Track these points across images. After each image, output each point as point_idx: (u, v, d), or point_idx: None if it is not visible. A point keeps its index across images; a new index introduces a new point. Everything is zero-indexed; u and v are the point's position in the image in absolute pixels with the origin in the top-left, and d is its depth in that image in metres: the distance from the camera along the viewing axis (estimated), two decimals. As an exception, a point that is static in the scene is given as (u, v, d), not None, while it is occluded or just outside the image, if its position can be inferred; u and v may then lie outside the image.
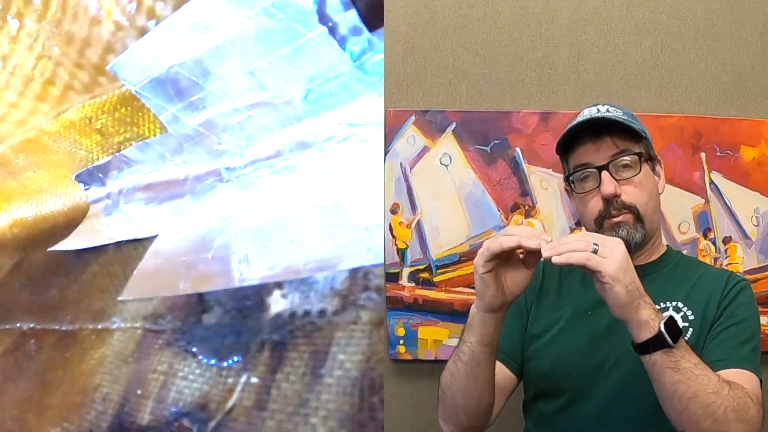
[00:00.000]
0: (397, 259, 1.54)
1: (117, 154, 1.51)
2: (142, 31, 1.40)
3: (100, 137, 1.56)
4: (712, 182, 1.54)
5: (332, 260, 1.38)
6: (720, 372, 1.01)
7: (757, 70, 1.59)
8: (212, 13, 1.37)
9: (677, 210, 1.53)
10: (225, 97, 1.43)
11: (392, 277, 1.54)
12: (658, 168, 1.22)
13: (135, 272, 1.48)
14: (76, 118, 1.54)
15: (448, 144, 1.55)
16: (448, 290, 1.54)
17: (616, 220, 1.14)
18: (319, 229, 1.40)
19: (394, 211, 1.54)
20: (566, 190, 1.28)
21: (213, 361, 1.33)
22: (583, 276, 1.21)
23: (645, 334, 0.97)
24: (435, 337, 1.53)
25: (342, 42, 1.35)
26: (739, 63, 1.59)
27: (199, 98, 1.44)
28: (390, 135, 1.54)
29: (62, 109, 1.51)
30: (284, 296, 1.38)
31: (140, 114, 1.49)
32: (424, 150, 1.55)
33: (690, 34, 1.59)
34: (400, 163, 1.55)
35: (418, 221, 1.54)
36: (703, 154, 1.54)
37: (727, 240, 1.54)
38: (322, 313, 1.34)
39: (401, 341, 1.53)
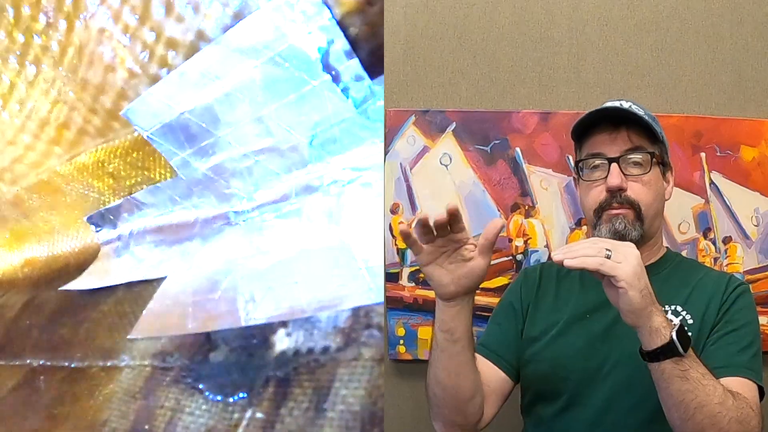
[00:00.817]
0: (397, 259, 1.54)
1: (128, 197, 1.55)
2: (155, 79, 1.46)
3: (112, 180, 1.59)
4: (712, 182, 1.54)
5: (335, 300, 1.43)
6: (721, 380, 1.01)
7: (757, 70, 1.59)
8: (221, 63, 1.43)
9: (677, 210, 1.53)
10: (233, 142, 1.48)
11: (392, 277, 1.54)
12: (668, 174, 1.22)
13: (144, 312, 1.52)
14: (89, 161, 1.58)
15: (448, 144, 1.55)
16: (448, 290, 1.53)
17: (615, 212, 1.14)
18: (323, 270, 1.45)
19: (394, 211, 1.54)
20: (573, 177, 1.28)
21: (219, 397, 1.37)
22: (582, 279, 1.21)
23: (656, 342, 0.97)
24: (435, 337, 1.53)
25: (345, 90, 1.40)
26: (739, 63, 1.58)
27: (209, 144, 1.48)
28: (390, 135, 1.54)
29: (76, 152, 1.56)
30: (288, 335, 1.43)
31: (151, 159, 1.53)
32: (424, 150, 1.55)
33: (690, 34, 1.58)
34: (400, 163, 1.55)
35: (418, 221, 1.54)
36: (703, 154, 1.54)
37: (727, 240, 1.54)
38: (325, 350, 1.39)
39: (401, 341, 1.53)
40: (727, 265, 1.53)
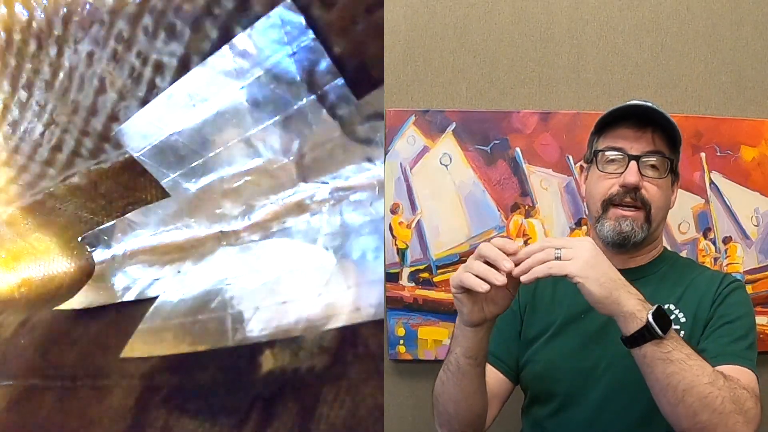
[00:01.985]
0: (397, 259, 1.54)
1: (121, 217, 1.56)
2: (143, 102, 1.48)
3: (104, 201, 1.61)
4: (712, 182, 1.54)
5: (322, 320, 1.45)
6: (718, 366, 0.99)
7: (757, 70, 1.59)
8: (208, 85, 1.44)
9: (677, 210, 1.53)
10: (222, 163, 1.50)
11: (392, 277, 1.54)
12: (675, 185, 1.22)
13: (136, 332, 1.53)
14: (81, 182, 1.59)
15: (448, 144, 1.55)
16: (448, 290, 1.53)
17: (625, 213, 1.13)
18: (311, 290, 1.47)
19: (394, 211, 1.54)
20: (580, 165, 1.27)
21: (207, 417, 1.37)
22: None
23: (632, 326, 0.95)
24: (435, 337, 1.53)
25: (331, 109, 1.42)
26: (739, 63, 1.58)
27: (198, 165, 1.51)
28: (390, 135, 1.54)
29: (69, 173, 1.57)
30: (275, 355, 1.44)
31: (143, 180, 1.55)
32: (424, 150, 1.55)
33: (690, 34, 1.58)
34: (400, 163, 1.55)
35: (418, 221, 1.54)
36: (703, 154, 1.54)
37: (727, 240, 1.54)
38: (310, 369, 1.39)
39: (401, 341, 1.54)
40: (727, 265, 1.53)
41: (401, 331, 1.53)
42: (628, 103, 1.19)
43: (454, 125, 1.55)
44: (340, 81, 1.38)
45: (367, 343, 1.36)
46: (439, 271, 1.54)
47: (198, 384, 1.43)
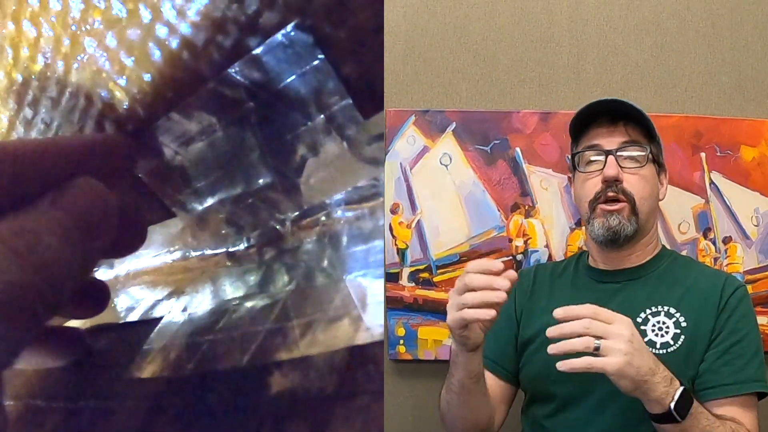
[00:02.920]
0: (397, 259, 1.54)
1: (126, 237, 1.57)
2: (151, 120, 1.50)
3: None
4: (712, 182, 1.54)
5: (331, 340, 1.46)
6: (726, 401, 1.05)
7: (757, 70, 1.59)
8: (216, 104, 1.46)
9: (677, 210, 1.53)
10: (228, 183, 1.51)
11: (392, 277, 1.54)
12: (663, 176, 1.23)
13: (141, 352, 1.55)
14: None
15: (448, 144, 1.55)
16: (448, 290, 1.53)
17: (610, 207, 1.14)
18: (319, 310, 1.48)
19: (394, 211, 1.54)
20: (569, 176, 1.29)
21: None
22: (574, 280, 1.21)
23: (655, 410, 0.99)
24: (435, 337, 1.53)
25: (339, 129, 1.45)
26: (739, 63, 1.58)
27: (205, 185, 1.52)
28: (390, 135, 1.54)
29: None
30: (284, 376, 1.46)
31: (147, 200, 1.57)
32: (424, 150, 1.55)
33: (690, 34, 1.58)
34: (400, 163, 1.55)
35: (418, 221, 1.54)
36: (703, 154, 1.54)
37: (727, 240, 1.54)
38: (321, 390, 1.41)
39: (401, 341, 1.54)
40: (727, 265, 1.53)
41: (401, 331, 1.53)
42: (594, 101, 1.21)
43: (454, 125, 1.55)
44: (348, 101, 1.41)
45: (376, 362, 1.38)
46: (439, 271, 1.54)
47: (205, 406, 1.44)
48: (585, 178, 1.18)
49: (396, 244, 1.54)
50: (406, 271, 1.54)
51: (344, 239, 1.49)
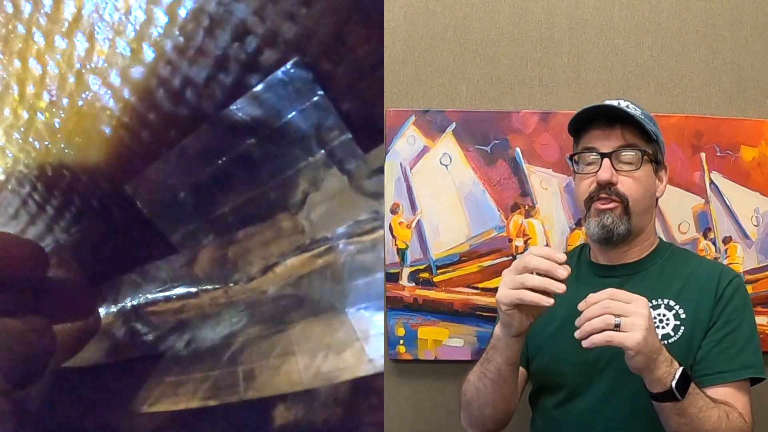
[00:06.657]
0: (397, 259, 1.54)
1: (129, 273, 1.59)
2: (154, 157, 1.55)
3: (111, 256, 1.63)
4: (712, 182, 1.54)
5: (334, 372, 1.50)
6: (721, 387, 1.09)
7: (757, 70, 1.59)
8: (219, 140, 1.52)
9: (677, 210, 1.53)
10: (231, 219, 1.55)
11: (392, 277, 1.54)
12: (662, 173, 1.27)
13: (145, 387, 1.57)
14: (89, 236, 1.62)
15: (448, 144, 1.55)
16: (448, 290, 1.54)
17: (603, 207, 1.18)
18: (322, 343, 1.53)
19: (394, 211, 1.54)
20: (571, 173, 1.32)
21: None
22: (578, 274, 1.24)
23: (657, 389, 1.03)
24: (435, 337, 1.53)
25: (340, 164, 1.48)
26: (739, 63, 1.58)
27: (208, 221, 1.55)
28: (390, 135, 1.54)
29: (79, 228, 1.60)
30: (288, 409, 1.49)
31: (151, 235, 1.59)
32: (424, 150, 1.55)
33: (690, 34, 1.59)
34: (400, 163, 1.55)
35: (418, 221, 1.54)
36: (703, 154, 1.54)
37: (727, 240, 1.54)
38: (325, 422, 1.44)
39: (401, 341, 1.54)
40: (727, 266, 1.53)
41: (401, 331, 1.53)
42: (598, 104, 1.25)
43: (454, 125, 1.55)
44: (348, 137, 1.43)
45: (378, 394, 1.41)
46: (439, 271, 1.54)
47: None
48: (582, 178, 1.23)
49: (396, 244, 1.54)
50: (406, 271, 1.54)
51: (346, 273, 1.52)
